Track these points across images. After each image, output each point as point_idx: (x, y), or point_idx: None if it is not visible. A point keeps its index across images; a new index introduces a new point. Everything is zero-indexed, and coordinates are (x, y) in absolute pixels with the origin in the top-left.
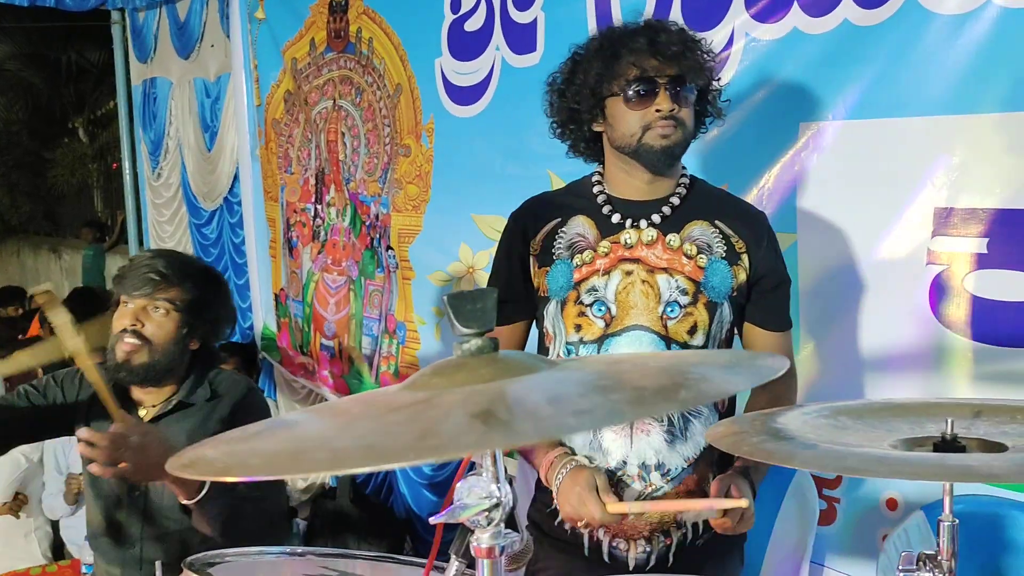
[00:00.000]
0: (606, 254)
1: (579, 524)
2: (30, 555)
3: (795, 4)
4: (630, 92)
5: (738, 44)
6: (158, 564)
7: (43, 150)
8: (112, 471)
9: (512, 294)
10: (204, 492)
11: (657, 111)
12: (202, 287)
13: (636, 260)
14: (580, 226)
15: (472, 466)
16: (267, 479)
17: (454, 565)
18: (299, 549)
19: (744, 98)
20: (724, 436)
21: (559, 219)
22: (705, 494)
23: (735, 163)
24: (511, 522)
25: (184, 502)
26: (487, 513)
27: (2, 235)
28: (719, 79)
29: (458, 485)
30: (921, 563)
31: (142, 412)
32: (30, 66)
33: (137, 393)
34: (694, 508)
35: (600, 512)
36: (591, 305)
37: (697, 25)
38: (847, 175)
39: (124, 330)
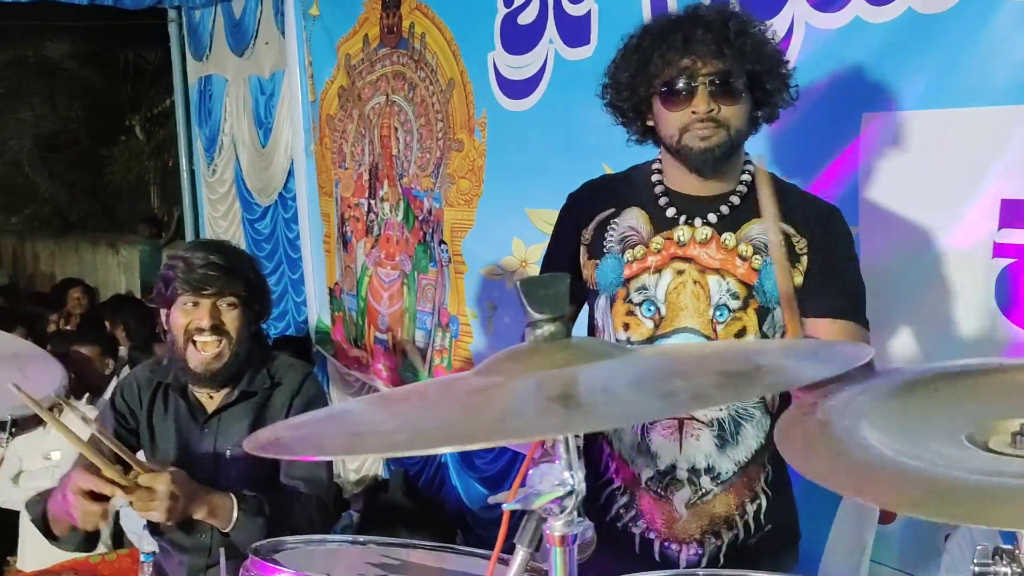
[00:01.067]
0: (658, 251)
1: None
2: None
3: None
4: (667, 94)
5: (797, 34)
6: (222, 551)
7: (101, 147)
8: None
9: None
10: (235, 522)
11: (694, 113)
12: (252, 272)
13: (688, 259)
14: (633, 219)
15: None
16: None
17: (520, 554)
18: (361, 538)
19: (805, 89)
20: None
21: (612, 209)
22: (756, 494)
23: (795, 155)
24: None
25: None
26: (560, 501)
27: (61, 231)
28: (785, 61)
29: (531, 472)
30: (998, 557)
31: (204, 401)
32: (88, 65)
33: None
34: None
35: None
36: (640, 304)
37: (756, 14)
38: (911, 166)
39: (201, 329)
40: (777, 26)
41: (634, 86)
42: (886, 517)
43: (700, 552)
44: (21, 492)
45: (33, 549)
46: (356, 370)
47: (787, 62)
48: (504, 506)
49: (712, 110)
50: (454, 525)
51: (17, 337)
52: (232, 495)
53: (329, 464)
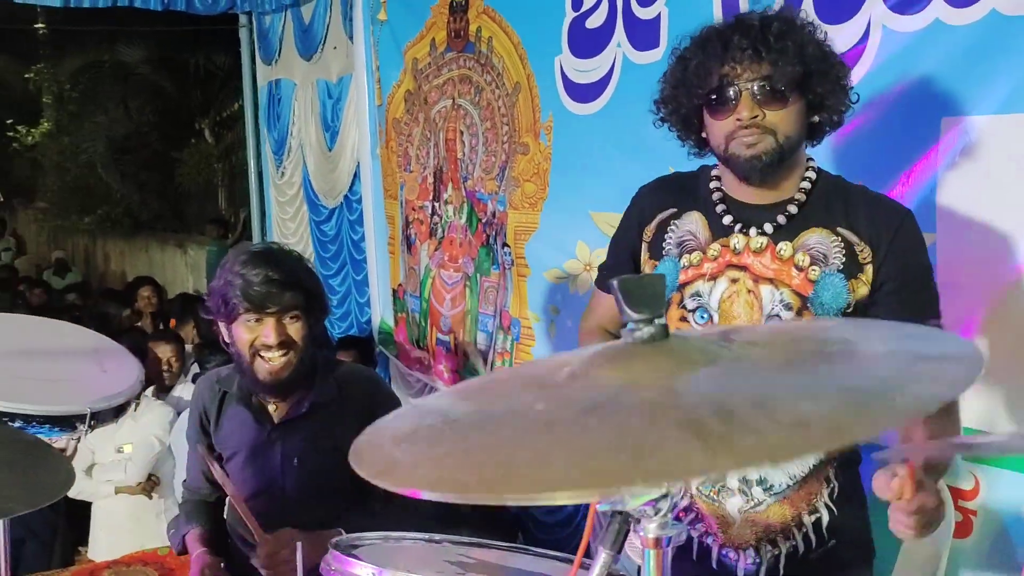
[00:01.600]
0: (715, 258)
1: None
2: (160, 535)
3: None
4: (709, 103)
5: (874, 37)
6: (299, 545)
7: (171, 150)
8: None
9: (618, 266)
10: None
11: (738, 120)
12: (309, 278)
13: (743, 268)
14: (693, 223)
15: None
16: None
17: (601, 558)
18: (436, 536)
19: (881, 93)
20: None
21: (675, 210)
22: (815, 508)
23: (871, 160)
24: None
25: None
26: (655, 503)
27: (132, 231)
28: (840, 63)
29: None
30: None
31: (271, 410)
32: (160, 70)
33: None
34: None
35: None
36: (694, 311)
37: (830, 18)
38: (991, 172)
39: (268, 346)
40: (853, 29)
41: (678, 99)
42: (961, 531)
43: (758, 561)
44: (93, 484)
45: (104, 540)
46: (418, 371)
47: (841, 64)
48: (598, 507)
49: (756, 116)
50: (514, 528)
51: (96, 333)
52: (342, 531)
53: None
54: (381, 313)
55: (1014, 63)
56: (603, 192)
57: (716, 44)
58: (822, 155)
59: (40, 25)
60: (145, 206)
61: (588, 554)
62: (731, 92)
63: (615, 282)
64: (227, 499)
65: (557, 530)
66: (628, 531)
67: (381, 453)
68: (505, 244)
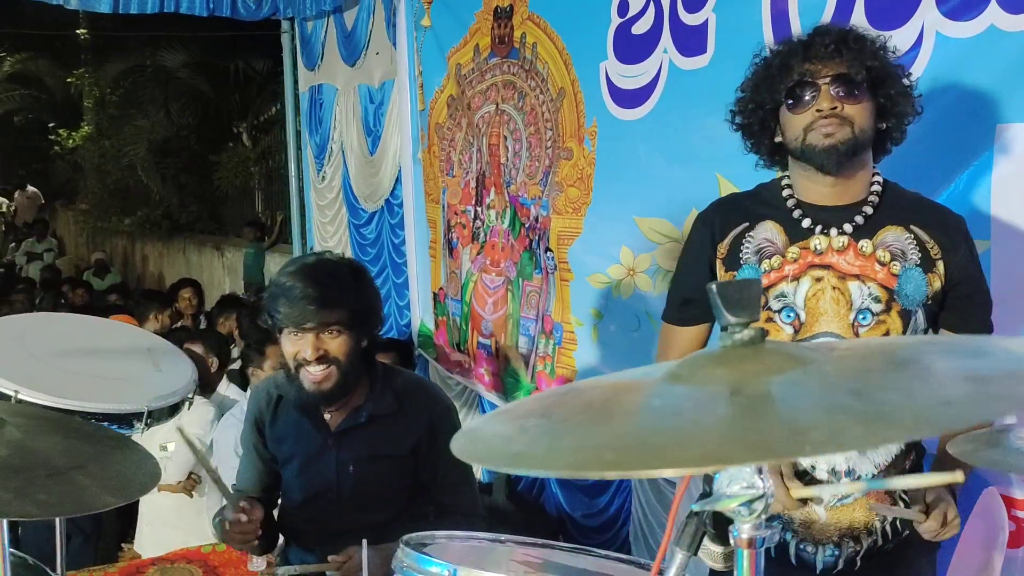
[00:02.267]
0: (795, 260)
1: None
2: (202, 533)
3: (993, 0)
4: (791, 99)
5: (927, 43)
6: (364, 541)
7: (210, 153)
8: None
9: (698, 295)
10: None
11: (818, 111)
12: (356, 293)
13: (827, 266)
14: (768, 231)
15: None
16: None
17: (679, 557)
18: (502, 536)
19: (934, 100)
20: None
21: (747, 223)
22: (894, 501)
23: (925, 167)
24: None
25: None
26: (749, 504)
27: (170, 233)
28: (908, 74)
29: (719, 475)
30: None
31: (327, 417)
32: (200, 74)
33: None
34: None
35: (784, 496)
36: (780, 311)
37: (883, 24)
38: None
39: (308, 360)
40: (906, 35)
41: (759, 98)
42: (1015, 540)
43: (837, 554)
44: None
45: (149, 535)
46: (458, 374)
47: (909, 74)
48: (693, 506)
49: (835, 107)
50: (555, 531)
51: (149, 333)
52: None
53: (473, 480)
54: (421, 316)
55: None
56: (648, 197)
57: (797, 45)
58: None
59: (82, 31)
60: (184, 208)
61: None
62: (812, 86)
63: (712, 287)
64: (277, 504)
65: (594, 534)
66: (704, 533)
67: (502, 443)
68: (548, 248)
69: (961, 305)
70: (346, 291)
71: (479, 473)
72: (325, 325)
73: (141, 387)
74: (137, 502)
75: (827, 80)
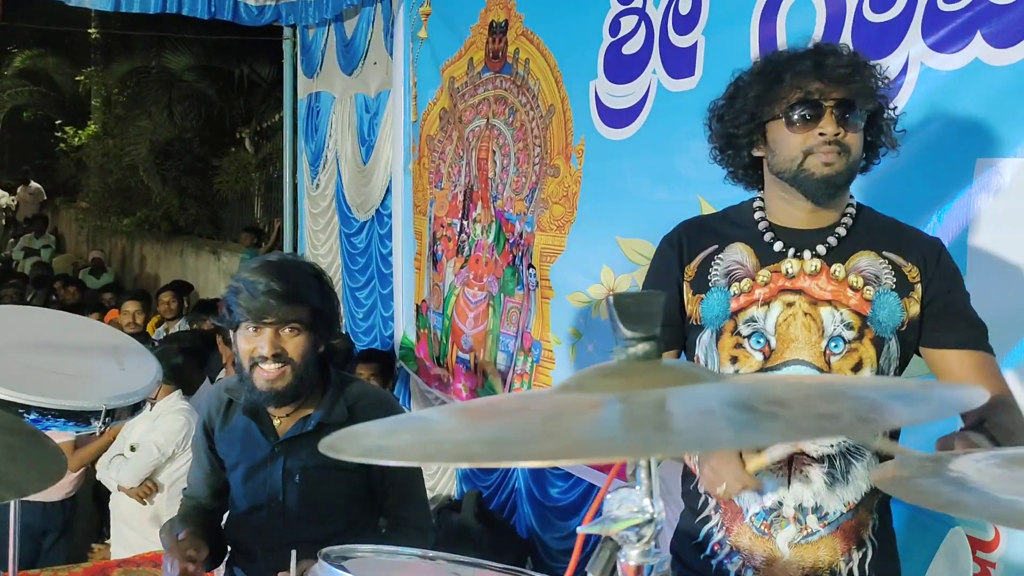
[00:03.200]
0: (766, 283)
1: (718, 491)
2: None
3: (978, 33)
4: (793, 116)
5: (912, 74)
6: (293, 552)
7: (211, 157)
8: None
9: (664, 319)
10: None
11: (821, 135)
12: (319, 293)
13: (798, 291)
14: (738, 254)
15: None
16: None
17: None
18: (430, 553)
19: (916, 131)
20: (895, 481)
21: (715, 246)
22: (862, 542)
23: (904, 197)
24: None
25: None
26: (638, 529)
27: (168, 235)
28: (894, 107)
29: (608, 497)
30: None
31: (276, 422)
32: (205, 78)
33: (271, 408)
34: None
35: (740, 469)
36: (749, 337)
37: (868, 53)
38: None
39: (263, 357)
40: (890, 64)
41: (757, 109)
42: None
43: None
44: (105, 475)
45: (121, 536)
46: (437, 388)
47: (894, 107)
48: (579, 529)
49: (839, 133)
50: (524, 551)
51: (118, 331)
52: None
53: (425, 495)
54: (404, 328)
55: None
56: (631, 218)
57: (808, 62)
58: (855, 190)
59: (93, 30)
60: (184, 211)
61: None
62: (818, 107)
63: (610, 298)
64: (227, 511)
65: (563, 557)
66: (616, 560)
67: (367, 439)
68: (531, 265)
69: (945, 317)
70: (309, 290)
71: (451, 490)
72: (285, 321)
73: (102, 384)
74: (107, 501)
75: (832, 103)
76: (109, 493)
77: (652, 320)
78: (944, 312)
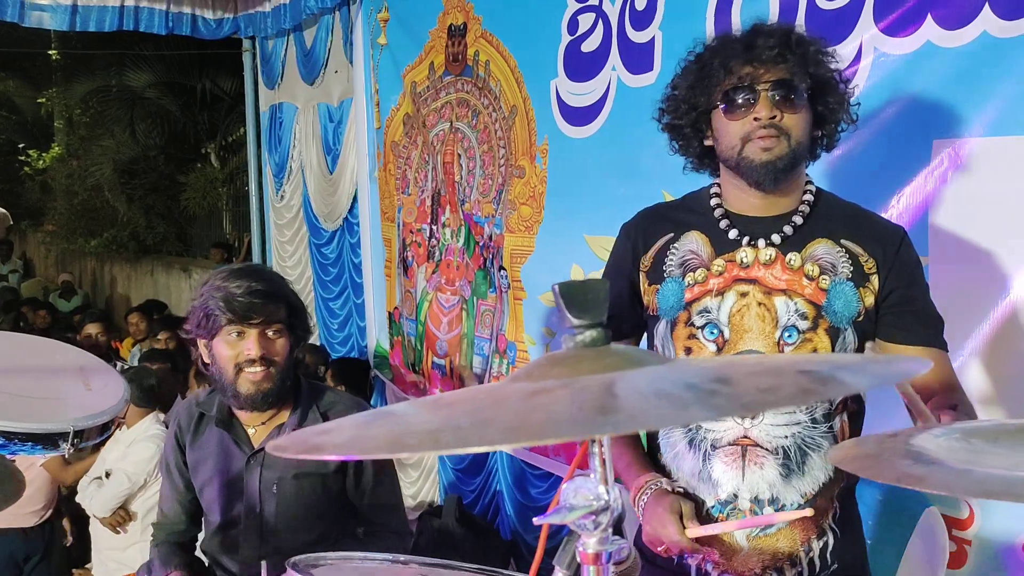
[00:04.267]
0: (720, 273)
1: (659, 548)
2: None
3: (929, 16)
4: (729, 102)
5: (866, 59)
6: (264, 564)
7: (177, 174)
8: None
9: (621, 310)
10: None
11: (755, 119)
12: (292, 295)
13: (752, 281)
14: (693, 242)
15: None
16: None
17: None
18: (402, 557)
19: (873, 115)
20: (853, 459)
21: (671, 235)
22: (823, 531)
23: (864, 182)
24: (619, 531)
25: None
26: (594, 516)
27: (137, 255)
28: (846, 80)
29: (564, 486)
30: None
31: (251, 432)
32: (168, 94)
33: (243, 415)
34: (765, 523)
35: (678, 534)
36: (703, 327)
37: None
38: (984, 195)
39: (251, 360)
40: (846, 51)
41: (694, 99)
42: (955, 561)
43: None
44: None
45: (97, 559)
46: (413, 395)
47: (848, 81)
48: (536, 519)
49: (774, 116)
50: (507, 553)
51: (84, 351)
52: None
53: (400, 500)
54: (377, 336)
55: (1005, 85)
56: (598, 215)
57: (738, 46)
58: (815, 175)
59: (52, 51)
60: (151, 229)
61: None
62: (752, 91)
63: (556, 287)
64: (200, 535)
65: (547, 557)
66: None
67: (307, 436)
68: (502, 267)
69: (902, 312)
70: (285, 288)
71: (434, 496)
72: (271, 321)
73: (69, 406)
74: (87, 525)
75: (767, 86)
76: (88, 518)
77: (599, 307)
78: (901, 308)
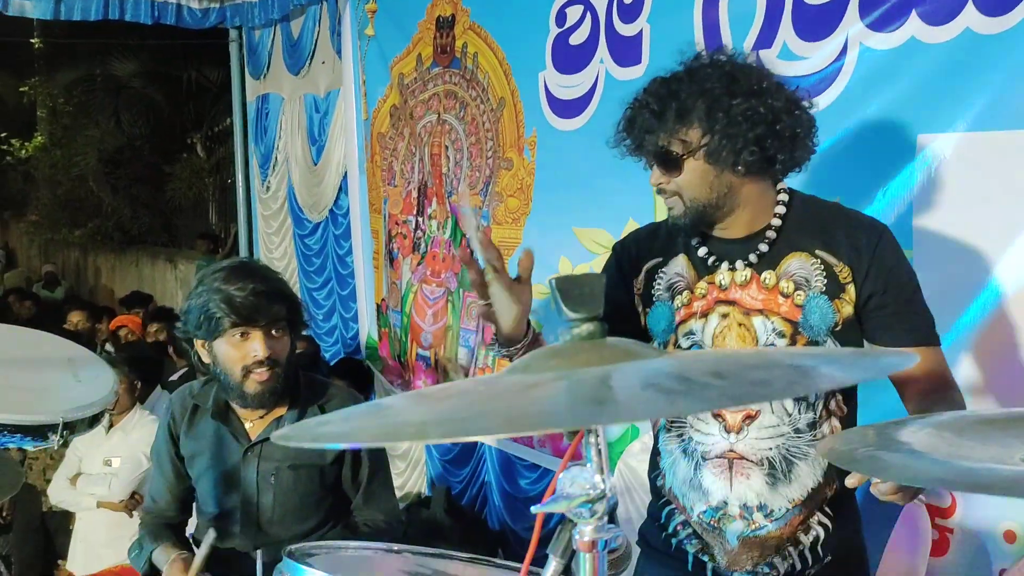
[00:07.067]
0: (703, 296)
1: None
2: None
3: (913, 12)
4: (642, 165)
5: (851, 54)
6: (259, 552)
7: (163, 164)
8: None
9: (627, 313)
10: None
11: (653, 185)
12: (291, 292)
13: (731, 302)
14: (680, 266)
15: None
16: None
17: (552, 564)
18: (395, 546)
19: (858, 110)
20: (837, 453)
21: (660, 258)
22: (809, 527)
23: (848, 177)
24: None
25: None
26: (591, 505)
27: (123, 245)
28: (794, 109)
29: (561, 475)
30: None
31: (248, 425)
32: (153, 84)
33: (241, 409)
34: None
35: None
36: (688, 349)
37: (808, 36)
38: (968, 190)
39: (260, 361)
40: (831, 47)
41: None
42: (938, 549)
43: None
44: (76, 495)
45: (83, 553)
46: (399, 387)
47: (792, 113)
48: (534, 508)
49: (660, 182)
50: (496, 544)
51: (72, 343)
52: None
53: (393, 491)
54: (368, 328)
55: (989, 81)
56: (586, 208)
57: (642, 111)
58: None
59: (35, 40)
60: (136, 220)
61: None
62: (642, 159)
63: (552, 281)
64: (190, 519)
65: (539, 548)
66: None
67: (302, 430)
68: None
69: (884, 322)
70: (284, 285)
71: (422, 488)
72: (274, 321)
73: (58, 398)
74: (72, 520)
75: (649, 155)
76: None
77: (595, 301)
78: (882, 311)
